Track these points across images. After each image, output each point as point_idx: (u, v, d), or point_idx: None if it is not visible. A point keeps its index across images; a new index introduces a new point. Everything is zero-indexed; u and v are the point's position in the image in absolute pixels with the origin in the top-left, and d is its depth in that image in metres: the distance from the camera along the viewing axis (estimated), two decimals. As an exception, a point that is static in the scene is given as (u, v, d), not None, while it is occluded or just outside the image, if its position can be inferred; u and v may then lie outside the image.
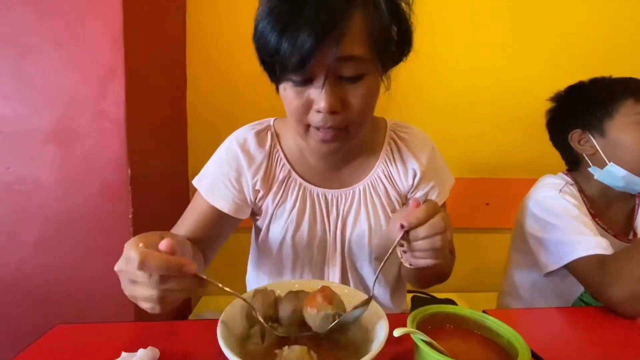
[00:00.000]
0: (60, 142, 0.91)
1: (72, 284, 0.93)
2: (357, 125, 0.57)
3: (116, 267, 0.41)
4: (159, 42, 1.14)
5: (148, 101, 1.05)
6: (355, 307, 0.47)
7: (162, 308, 0.40)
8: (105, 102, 0.91)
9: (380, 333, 0.44)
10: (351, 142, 0.60)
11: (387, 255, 0.48)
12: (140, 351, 0.48)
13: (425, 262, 0.49)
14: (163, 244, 0.39)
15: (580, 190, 0.88)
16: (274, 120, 0.72)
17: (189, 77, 1.36)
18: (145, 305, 0.41)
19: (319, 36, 0.46)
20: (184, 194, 1.36)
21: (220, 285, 0.42)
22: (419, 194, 0.71)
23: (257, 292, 0.50)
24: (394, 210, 0.70)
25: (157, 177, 1.12)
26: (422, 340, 0.41)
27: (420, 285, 0.74)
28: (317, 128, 0.55)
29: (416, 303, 1.29)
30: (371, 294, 0.48)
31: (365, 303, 0.47)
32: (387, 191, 0.70)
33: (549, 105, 0.97)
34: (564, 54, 1.44)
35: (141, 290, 0.39)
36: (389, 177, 0.70)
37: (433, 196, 0.71)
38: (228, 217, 0.67)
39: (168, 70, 1.23)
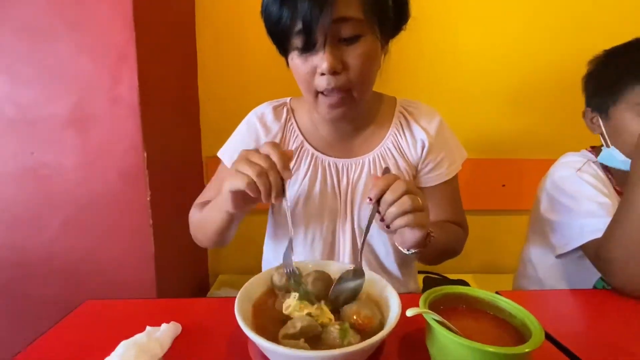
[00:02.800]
0: (78, 128, 0.93)
1: (96, 264, 0.98)
2: (360, 87, 0.60)
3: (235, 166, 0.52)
4: (169, 24, 1.13)
5: (160, 84, 1.05)
6: (342, 278, 0.50)
7: (253, 191, 0.50)
8: (119, 87, 0.92)
9: (392, 313, 0.45)
10: (357, 109, 0.64)
11: (365, 231, 0.52)
12: (164, 326, 0.51)
13: (410, 237, 0.53)
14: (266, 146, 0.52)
15: (606, 168, 0.85)
16: (291, 98, 0.78)
17: (200, 58, 1.36)
18: (238, 184, 0.50)
19: (316, 1, 0.51)
20: (199, 175, 1.38)
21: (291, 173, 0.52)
22: (429, 166, 0.73)
23: (276, 269, 0.53)
24: (375, 174, 0.72)
25: (173, 159, 1.14)
26: (434, 320, 0.41)
27: (428, 262, 0.74)
28: (324, 94, 0.60)
29: (428, 284, 1.30)
30: (360, 263, 0.51)
31: (355, 274, 0.51)
32: (396, 162, 0.71)
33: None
34: (585, 30, 1.35)
35: (243, 167, 0.50)
36: (398, 148, 0.72)
37: (443, 168, 0.73)
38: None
39: (179, 52, 1.23)
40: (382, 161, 0.71)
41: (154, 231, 0.96)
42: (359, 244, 0.73)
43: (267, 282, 0.53)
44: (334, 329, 0.43)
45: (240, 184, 0.50)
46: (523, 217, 1.05)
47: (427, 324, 0.43)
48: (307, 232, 0.73)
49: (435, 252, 0.70)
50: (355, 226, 0.73)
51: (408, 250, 0.60)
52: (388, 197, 0.49)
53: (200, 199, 0.76)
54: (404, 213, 0.49)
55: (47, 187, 0.95)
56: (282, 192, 0.51)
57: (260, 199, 0.51)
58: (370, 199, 0.49)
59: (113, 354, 0.44)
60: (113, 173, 0.94)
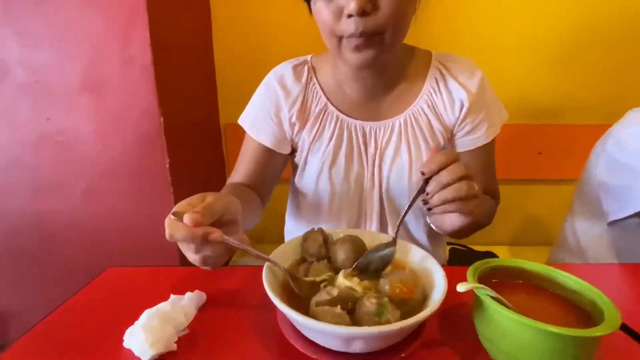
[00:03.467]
0: (92, 92, 0.89)
1: (119, 231, 0.98)
2: (392, 31, 0.53)
3: None
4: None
5: (174, 43, 0.99)
6: (378, 248, 0.46)
7: (211, 267, 0.44)
8: (131, 48, 0.87)
9: (438, 288, 0.40)
10: (388, 56, 0.57)
11: (407, 207, 0.46)
12: (188, 294, 0.49)
13: (452, 222, 0.48)
14: (186, 219, 0.38)
15: None
16: (312, 56, 0.71)
17: (214, 19, 1.27)
18: (199, 266, 0.43)
19: None
20: (217, 142, 1.34)
21: (249, 249, 0.42)
22: (466, 129, 0.66)
23: (305, 238, 0.49)
24: (437, 145, 0.66)
25: (190, 126, 1.10)
26: (489, 296, 0.36)
27: (456, 237, 0.69)
28: (350, 38, 0.53)
29: (454, 256, 1.25)
30: (395, 235, 0.47)
31: (389, 245, 0.46)
32: (430, 124, 0.65)
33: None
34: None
35: (188, 254, 0.43)
36: (433, 108, 0.65)
37: (481, 131, 0.66)
38: (274, 153, 0.68)
39: (191, 9, 1.14)
40: (414, 123, 0.65)
41: (175, 198, 0.94)
42: (388, 213, 0.69)
43: (296, 250, 0.49)
44: (371, 304, 0.39)
45: (192, 259, 0.43)
46: (559, 187, 0.97)
47: (477, 300, 0.38)
48: (332, 200, 0.69)
49: (467, 230, 0.65)
50: (384, 194, 0.68)
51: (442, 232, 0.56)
52: (444, 177, 0.42)
53: (232, 176, 0.71)
54: (457, 199, 0.43)
55: (66, 155, 0.93)
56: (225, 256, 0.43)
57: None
58: (423, 173, 0.43)
59: (137, 323, 0.42)
60: (130, 139, 0.92)
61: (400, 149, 0.65)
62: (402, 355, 0.37)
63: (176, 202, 0.97)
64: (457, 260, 1.31)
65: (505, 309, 0.35)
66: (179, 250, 0.43)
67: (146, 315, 0.43)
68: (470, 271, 0.41)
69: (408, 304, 0.40)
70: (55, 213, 0.98)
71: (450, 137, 0.67)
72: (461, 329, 0.44)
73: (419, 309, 0.40)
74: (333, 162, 0.66)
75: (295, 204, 0.77)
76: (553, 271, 0.42)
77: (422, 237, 0.73)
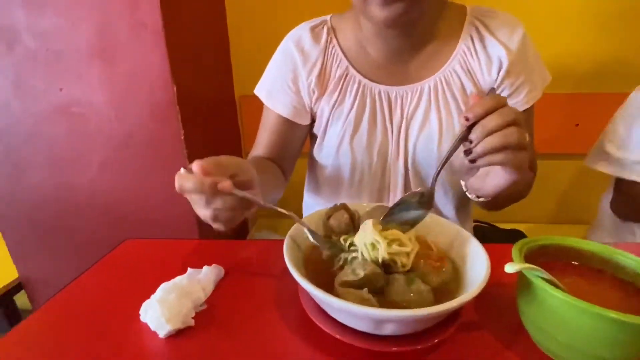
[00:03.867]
0: (104, 59, 0.86)
1: (137, 204, 0.97)
2: None
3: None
4: None
5: (185, 8, 0.93)
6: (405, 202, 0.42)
7: (222, 226, 0.40)
8: (139, 11, 0.82)
9: (480, 267, 0.36)
10: (418, 10, 0.51)
11: (445, 158, 0.40)
12: (206, 268, 0.47)
13: (496, 180, 0.42)
14: (194, 165, 0.37)
15: None
16: (331, 16, 0.65)
17: (226, -20, 1.19)
18: (210, 223, 0.40)
19: None
20: (233, 115, 1.30)
21: (262, 202, 0.39)
22: (504, 93, 0.59)
23: (329, 212, 0.46)
24: (480, 92, 0.59)
25: (204, 95, 1.05)
26: (541, 278, 0.32)
27: (490, 209, 0.63)
28: None
29: (477, 234, 1.19)
30: (431, 189, 0.43)
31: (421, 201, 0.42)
32: (463, 87, 0.59)
33: None
34: None
35: (198, 210, 0.39)
36: (467, 70, 0.59)
37: (521, 95, 0.59)
38: (293, 124, 0.65)
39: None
40: (445, 87, 0.59)
41: (191, 172, 0.92)
42: (413, 186, 0.64)
43: (318, 226, 0.45)
44: (400, 276, 0.36)
45: (203, 214, 0.40)
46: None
47: (524, 282, 0.34)
48: (353, 173, 0.65)
49: (504, 199, 0.59)
50: (409, 166, 0.63)
51: (478, 197, 0.50)
52: (491, 122, 0.36)
53: (253, 149, 0.68)
54: (505, 148, 0.37)
55: (81, 126, 0.92)
56: (249, 206, 0.40)
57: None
58: (467, 119, 0.37)
59: (153, 297, 0.40)
60: (144, 110, 0.88)
61: (430, 115, 0.59)
62: (436, 340, 0.33)
63: (192, 175, 0.96)
64: (480, 238, 1.26)
65: (562, 292, 0.30)
66: (198, 222, 0.40)
67: (162, 289, 0.41)
68: (516, 249, 0.36)
69: (439, 273, 0.37)
70: (73, 186, 0.97)
71: None
72: (501, 312, 0.40)
73: (451, 283, 0.37)
74: (355, 131, 0.61)
75: (313, 178, 0.73)
76: (614, 252, 0.37)
77: (449, 211, 0.68)
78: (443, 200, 0.67)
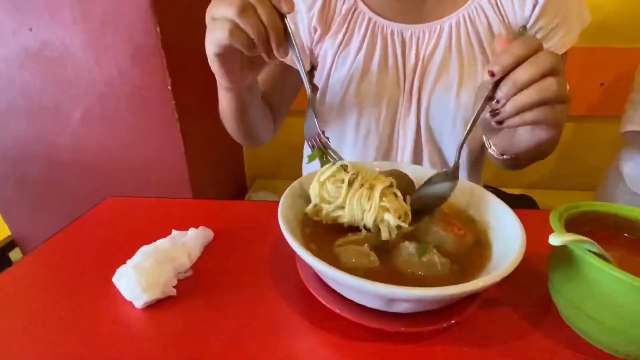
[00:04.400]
0: (76, -6, 0.75)
1: (124, 159, 0.91)
2: None
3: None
4: None
5: None
6: (431, 180, 0.36)
7: (233, 40, 0.33)
8: None
9: (514, 237, 0.30)
10: None
11: (471, 123, 0.34)
12: (192, 230, 0.41)
13: (530, 136, 0.35)
14: None
15: None
16: None
17: None
18: (219, 37, 0.33)
19: None
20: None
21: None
22: (538, 35, 0.51)
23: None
24: (511, 33, 0.52)
25: (192, 39, 0.95)
26: (591, 252, 0.26)
27: (513, 167, 0.57)
28: None
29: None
30: (456, 163, 0.37)
31: (449, 176, 0.36)
32: (490, 27, 0.51)
33: None
34: None
35: (220, 11, 0.33)
36: (496, 6, 0.51)
37: (556, 38, 0.52)
38: (288, 70, 0.57)
39: None
40: (469, 27, 0.51)
41: (181, 126, 0.84)
42: (424, 142, 0.57)
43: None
44: (409, 244, 0.32)
45: (219, 35, 0.33)
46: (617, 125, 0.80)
47: (565, 255, 0.29)
48: (359, 125, 0.58)
49: (532, 156, 0.52)
50: (422, 119, 0.56)
51: (503, 155, 0.44)
52: (523, 74, 0.30)
53: None
54: (541, 104, 0.30)
55: (56, 72, 0.83)
56: (284, 37, 0.34)
57: (257, 53, 0.34)
58: (493, 74, 0.30)
59: (128, 262, 0.35)
60: (125, 55, 0.79)
61: (450, 60, 0.52)
62: (453, 321, 0.29)
63: (183, 130, 0.89)
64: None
65: (620, 271, 0.25)
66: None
67: (141, 253, 0.36)
68: (554, 218, 0.30)
69: (457, 246, 0.32)
70: (56, 141, 0.91)
71: None
72: (528, 288, 0.35)
73: (473, 254, 0.32)
74: (362, 77, 0.54)
75: None
76: (673, 222, 0.31)
77: (461, 173, 0.61)
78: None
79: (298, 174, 0.71)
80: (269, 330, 0.31)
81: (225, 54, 0.36)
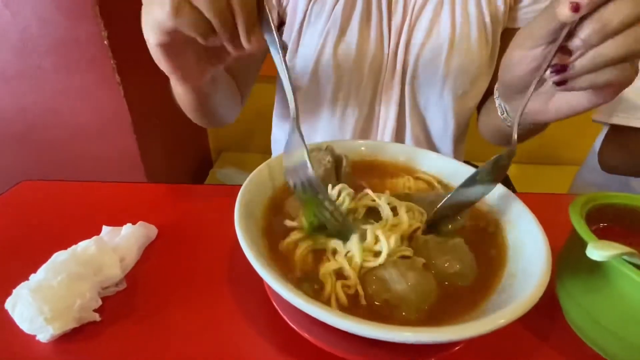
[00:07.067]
0: None
1: (51, 130, 0.76)
2: None
3: None
4: None
5: None
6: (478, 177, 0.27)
7: (180, 22, 0.22)
8: None
9: (537, 262, 0.23)
10: None
11: (537, 80, 0.25)
12: (127, 228, 0.32)
13: (573, 102, 0.26)
14: None
15: None
16: None
17: None
18: (159, 18, 0.23)
19: None
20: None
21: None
22: None
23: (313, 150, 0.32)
24: (495, 13, 0.46)
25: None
26: (629, 263, 0.21)
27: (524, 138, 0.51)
28: None
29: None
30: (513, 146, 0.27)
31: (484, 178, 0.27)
32: None
33: None
34: None
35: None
36: None
37: None
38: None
39: None
40: None
41: (125, 89, 0.70)
42: (408, 112, 0.51)
43: (280, 178, 0.31)
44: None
45: (160, 15, 0.23)
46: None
47: (584, 259, 0.23)
48: (336, 94, 0.50)
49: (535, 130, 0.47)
50: (407, 84, 0.49)
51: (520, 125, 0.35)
52: (617, 13, 0.21)
53: None
54: (626, 59, 0.22)
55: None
56: (258, 21, 0.24)
57: (218, 43, 0.24)
58: (577, 7, 0.21)
59: (24, 285, 0.25)
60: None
61: (440, 17, 0.46)
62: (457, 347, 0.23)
63: (127, 95, 0.74)
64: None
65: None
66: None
67: (50, 264, 0.27)
68: (575, 215, 0.25)
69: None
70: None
71: (513, 4, 0.47)
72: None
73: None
74: (341, 33, 0.46)
75: (284, 104, 0.58)
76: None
77: (447, 147, 0.56)
78: (443, 135, 0.54)
79: (266, 148, 0.63)
80: (226, 357, 0.24)
81: (172, 44, 0.24)
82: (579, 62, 0.22)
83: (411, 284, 0.22)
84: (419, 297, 0.22)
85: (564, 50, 0.23)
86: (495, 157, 0.26)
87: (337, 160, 0.32)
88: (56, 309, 0.23)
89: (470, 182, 0.27)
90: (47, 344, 0.24)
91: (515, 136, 0.27)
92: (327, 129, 0.54)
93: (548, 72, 0.24)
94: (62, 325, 0.23)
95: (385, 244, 0.24)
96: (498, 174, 0.27)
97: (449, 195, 0.27)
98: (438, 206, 0.27)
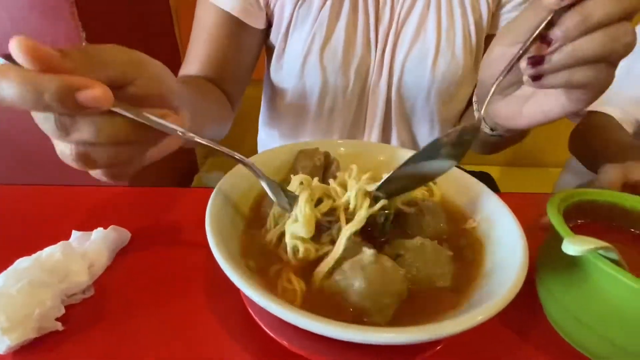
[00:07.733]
0: None
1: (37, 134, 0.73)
2: None
3: None
4: None
5: None
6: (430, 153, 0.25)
7: (106, 175, 0.23)
8: None
9: (514, 259, 0.23)
10: None
11: (510, 63, 0.24)
12: (97, 232, 0.31)
13: (548, 106, 0.26)
14: (18, 46, 0.16)
15: None
16: None
17: None
18: (83, 169, 0.22)
19: None
20: (165, 10, 0.99)
21: (181, 131, 0.21)
22: None
23: (301, 152, 0.33)
24: (479, 20, 0.46)
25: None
26: (605, 258, 0.21)
27: (496, 147, 0.52)
28: None
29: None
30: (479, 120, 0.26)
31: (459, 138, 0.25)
32: None
33: None
34: None
35: (54, 141, 0.21)
36: None
37: None
38: (241, 26, 0.47)
39: None
40: None
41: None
42: (394, 118, 0.51)
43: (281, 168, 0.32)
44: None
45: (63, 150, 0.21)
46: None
47: (562, 254, 0.23)
48: (323, 99, 0.51)
49: (522, 135, 0.48)
50: (393, 90, 0.49)
51: (493, 130, 0.36)
52: (599, 7, 0.20)
53: (183, 66, 0.49)
54: (604, 58, 0.21)
55: None
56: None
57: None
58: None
59: (-13, 288, 0.24)
60: (22, 2, 0.60)
61: (427, 22, 0.46)
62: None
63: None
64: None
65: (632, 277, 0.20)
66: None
67: (12, 271, 0.25)
68: (553, 210, 0.25)
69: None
70: None
71: (497, 7, 0.48)
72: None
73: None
74: (327, 38, 0.46)
75: (271, 106, 0.58)
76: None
77: (434, 136, 0.56)
78: (427, 137, 0.55)
79: (253, 152, 0.62)
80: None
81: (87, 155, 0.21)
82: (556, 56, 0.22)
83: (365, 291, 0.21)
84: (376, 303, 0.21)
85: (543, 40, 0.22)
86: (461, 128, 0.24)
87: (328, 163, 0.33)
88: (14, 319, 0.22)
89: (432, 152, 0.25)
90: (5, 357, 0.22)
91: (482, 112, 0.26)
92: (314, 131, 0.54)
93: (524, 63, 0.23)
94: (20, 335, 0.22)
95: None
96: (462, 149, 0.25)
97: (405, 162, 0.25)
98: (392, 172, 0.25)
